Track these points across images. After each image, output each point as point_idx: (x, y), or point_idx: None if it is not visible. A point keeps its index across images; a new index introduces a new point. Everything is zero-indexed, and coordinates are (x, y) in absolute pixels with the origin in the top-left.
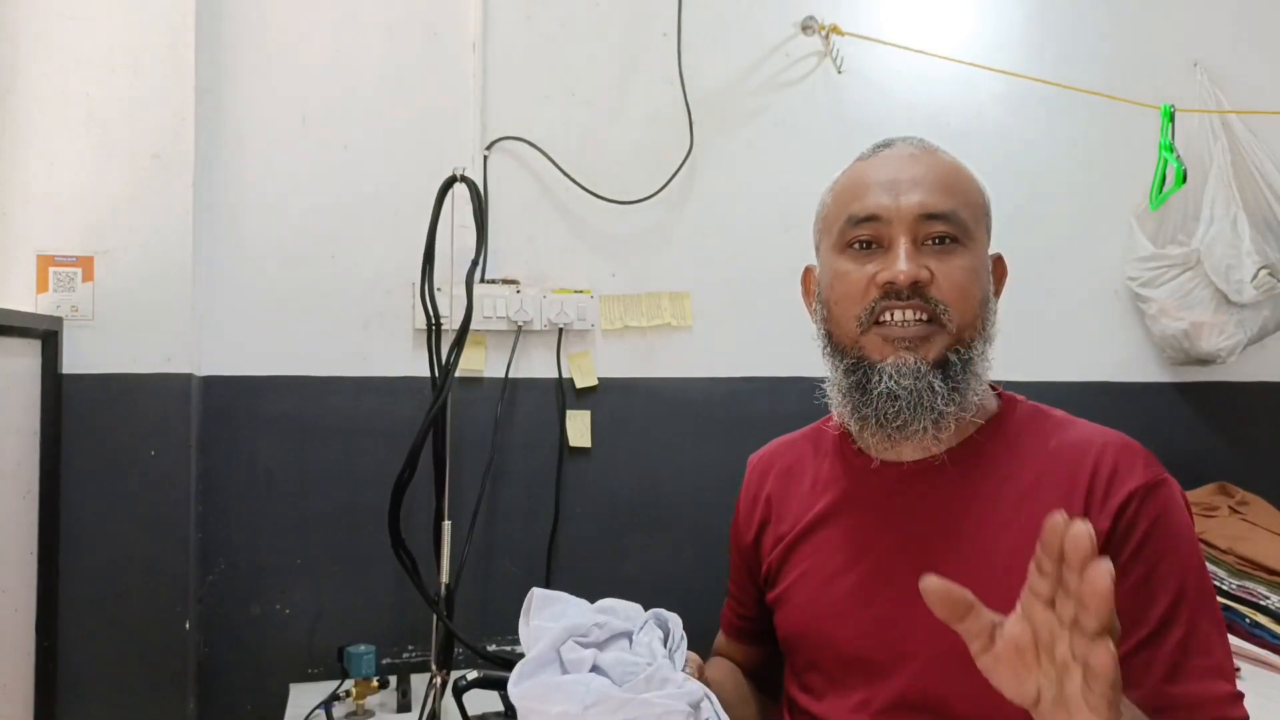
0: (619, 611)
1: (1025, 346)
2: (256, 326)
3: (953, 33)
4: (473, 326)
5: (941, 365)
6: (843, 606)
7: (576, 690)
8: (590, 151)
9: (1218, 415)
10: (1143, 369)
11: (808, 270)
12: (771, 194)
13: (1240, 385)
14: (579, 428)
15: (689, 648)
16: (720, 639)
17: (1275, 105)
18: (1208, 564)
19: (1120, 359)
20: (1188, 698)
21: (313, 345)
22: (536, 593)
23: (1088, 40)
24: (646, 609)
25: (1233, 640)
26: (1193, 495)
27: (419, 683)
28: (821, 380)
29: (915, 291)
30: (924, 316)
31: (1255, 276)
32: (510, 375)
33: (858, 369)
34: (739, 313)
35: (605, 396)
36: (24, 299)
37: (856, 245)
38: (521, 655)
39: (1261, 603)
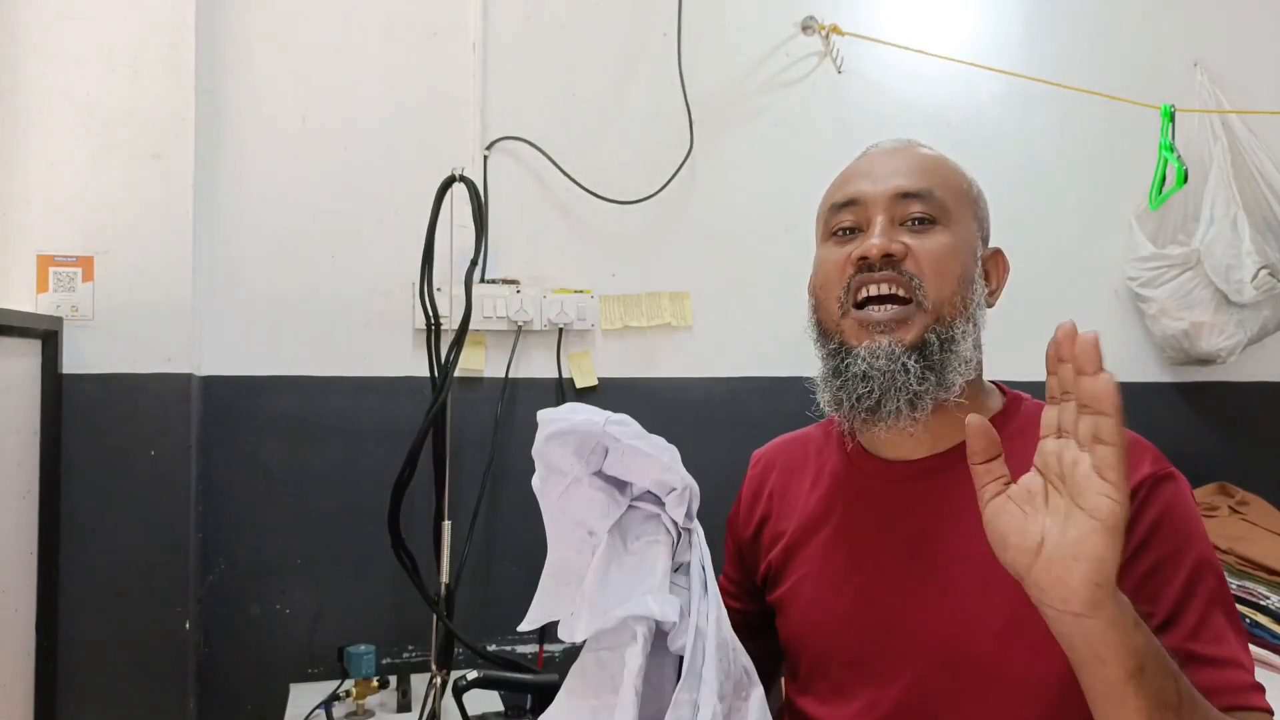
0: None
1: (1025, 346)
2: (256, 326)
3: (953, 33)
4: (472, 326)
5: (919, 347)
6: (843, 611)
7: (599, 413)
8: (590, 151)
9: (1218, 415)
10: (1143, 369)
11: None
12: (772, 194)
13: (1240, 385)
14: None
15: None
16: None
17: (1275, 105)
18: None
19: (1120, 359)
20: (1200, 686)
21: (313, 345)
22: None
23: (1088, 40)
24: None
25: None
26: None
27: (419, 683)
28: None
29: (888, 264)
30: (899, 291)
31: (1255, 276)
32: (510, 375)
33: (837, 354)
34: (739, 313)
35: (605, 396)
36: (24, 299)
37: (840, 232)
38: (522, 656)
39: (1261, 603)
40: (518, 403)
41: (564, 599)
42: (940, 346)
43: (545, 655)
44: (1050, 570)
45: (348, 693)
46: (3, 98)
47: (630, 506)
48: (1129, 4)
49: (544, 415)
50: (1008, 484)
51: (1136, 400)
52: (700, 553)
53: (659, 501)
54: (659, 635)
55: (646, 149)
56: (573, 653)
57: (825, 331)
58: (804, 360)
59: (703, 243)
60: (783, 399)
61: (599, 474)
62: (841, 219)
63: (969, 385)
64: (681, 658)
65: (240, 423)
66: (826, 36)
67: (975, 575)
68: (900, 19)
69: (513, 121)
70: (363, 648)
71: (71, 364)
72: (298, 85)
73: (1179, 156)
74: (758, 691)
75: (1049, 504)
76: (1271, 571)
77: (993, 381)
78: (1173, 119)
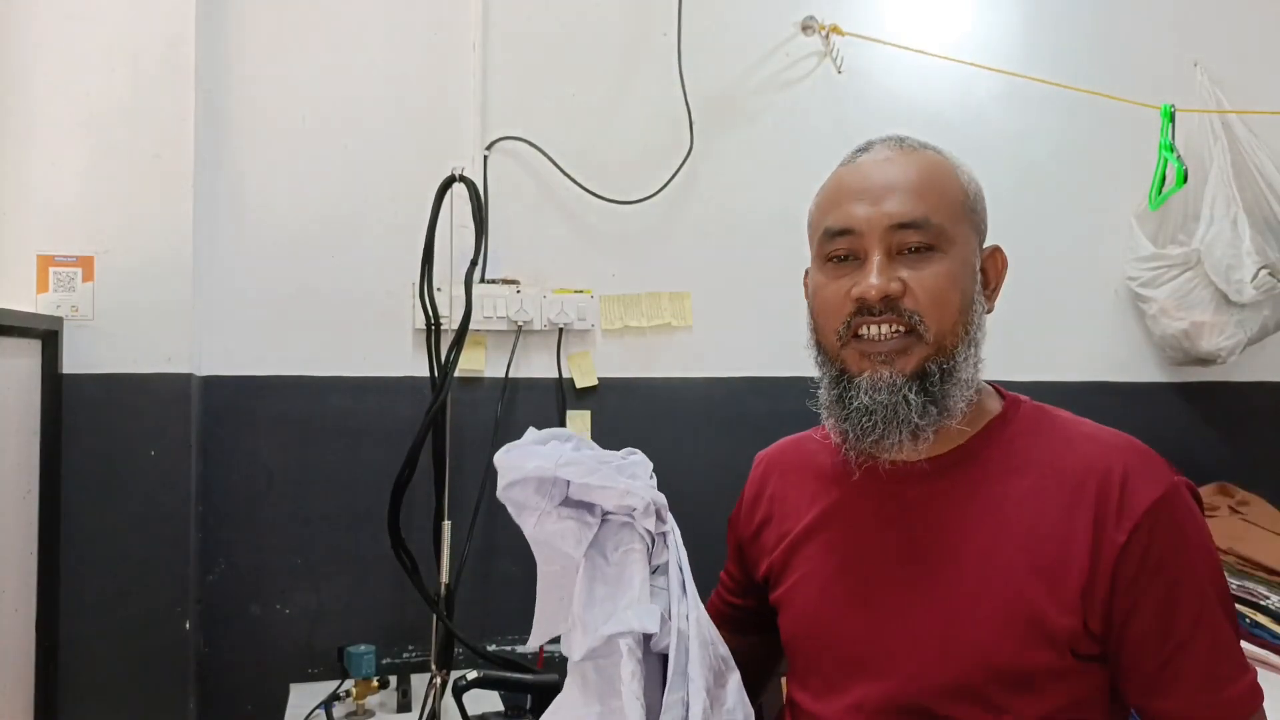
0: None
1: (1025, 346)
2: (257, 326)
3: (953, 33)
4: (472, 326)
5: (919, 376)
6: (841, 609)
7: (552, 453)
8: (590, 151)
9: (1218, 415)
10: (1143, 369)
11: (807, 273)
12: (772, 194)
13: (1240, 385)
14: (579, 428)
15: None
16: None
17: (1275, 105)
18: None
19: (1120, 359)
20: (1224, 704)
21: (313, 345)
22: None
23: (1088, 40)
24: None
25: None
26: None
27: (419, 683)
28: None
29: (888, 305)
30: (900, 329)
31: (1255, 276)
32: (510, 375)
33: (839, 382)
34: (739, 313)
35: (605, 396)
36: (24, 299)
37: (834, 259)
38: (522, 656)
39: (1261, 603)
40: (518, 403)
41: (560, 614)
42: (941, 377)
43: (545, 655)
44: None
45: (348, 693)
46: (3, 98)
47: (604, 520)
48: (1129, 4)
49: (500, 462)
50: None
51: (1136, 400)
52: (677, 554)
53: (630, 511)
54: (646, 639)
55: (646, 149)
56: None
57: (827, 356)
58: (804, 360)
59: (703, 243)
60: (782, 399)
61: (566, 503)
62: (836, 246)
63: None
64: (665, 655)
65: (240, 423)
66: (826, 36)
67: (971, 574)
68: (900, 19)
69: (513, 121)
70: (363, 648)
71: (71, 364)
72: (298, 85)
73: (1179, 156)
74: (735, 676)
75: None
76: (1271, 571)
77: (990, 383)
78: (1173, 119)
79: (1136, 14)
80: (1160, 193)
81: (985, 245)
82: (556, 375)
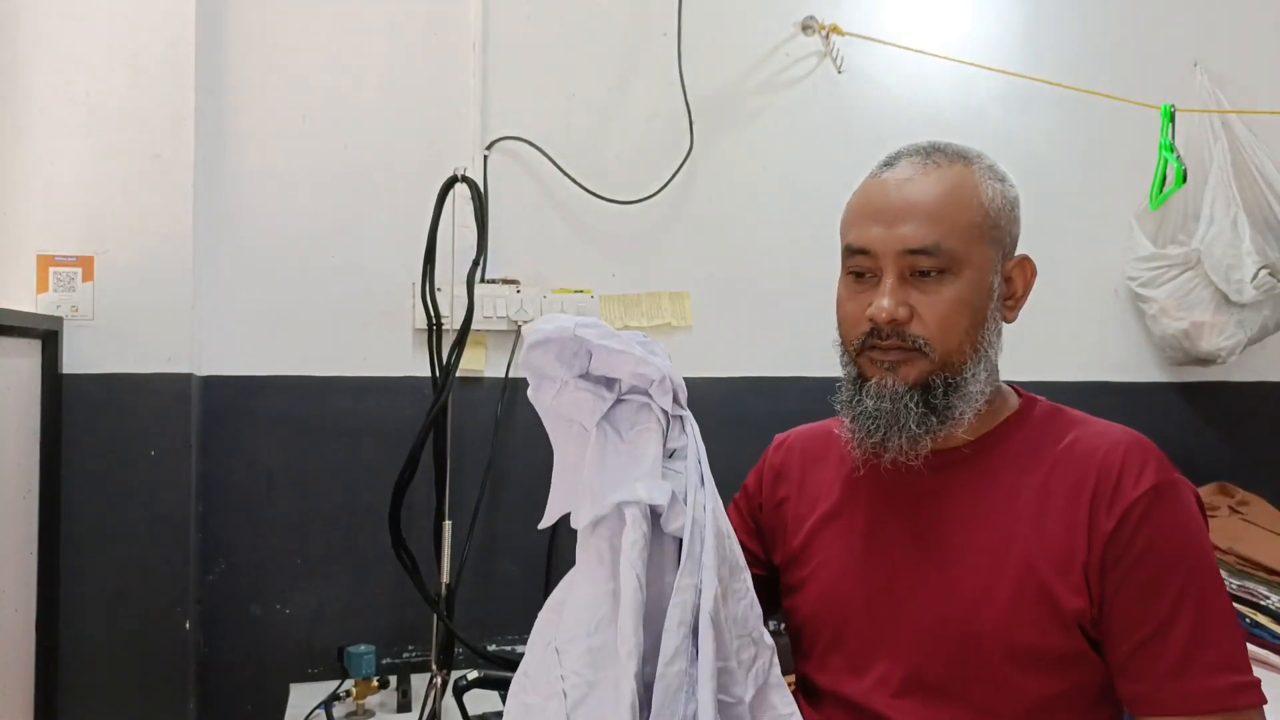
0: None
1: (1025, 346)
2: (256, 326)
3: (953, 33)
4: (473, 326)
5: (923, 388)
6: (861, 592)
7: (572, 317)
8: (590, 151)
9: (1218, 415)
10: (1143, 369)
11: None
12: (772, 194)
13: (1240, 385)
14: None
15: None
16: None
17: (1275, 105)
18: None
19: (1120, 359)
20: (1194, 691)
21: (313, 345)
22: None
23: (1088, 40)
24: None
25: None
26: None
27: (419, 683)
28: (821, 380)
29: (894, 330)
30: (906, 350)
31: (1255, 276)
32: (510, 375)
33: (855, 383)
34: (739, 313)
35: None
36: (24, 299)
37: (854, 273)
38: (522, 655)
39: (1261, 603)
40: (518, 403)
41: (574, 494)
42: (945, 390)
43: None
44: None
45: (348, 693)
46: (3, 98)
47: (621, 400)
48: (1129, 4)
49: (526, 328)
50: None
51: (1136, 400)
52: (696, 447)
53: (648, 393)
54: (656, 518)
55: (646, 149)
56: None
57: (850, 357)
58: (804, 360)
59: (703, 243)
60: (783, 399)
61: (585, 376)
62: (857, 262)
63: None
64: (679, 540)
65: (240, 423)
66: (826, 36)
67: (985, 560)
68: (900, 19)
69: (513, 121)
70: (363, 648)
71: (71, 364)
72: (298, 85)
73: (1179, 156)
74: (747, 575)
75: None
76: (1271, 571)
77: (1008, 383)
78: (1173, 119)
79: (1136, 14)
80: (1160, 193)
81: (1015, 254)
82: None
